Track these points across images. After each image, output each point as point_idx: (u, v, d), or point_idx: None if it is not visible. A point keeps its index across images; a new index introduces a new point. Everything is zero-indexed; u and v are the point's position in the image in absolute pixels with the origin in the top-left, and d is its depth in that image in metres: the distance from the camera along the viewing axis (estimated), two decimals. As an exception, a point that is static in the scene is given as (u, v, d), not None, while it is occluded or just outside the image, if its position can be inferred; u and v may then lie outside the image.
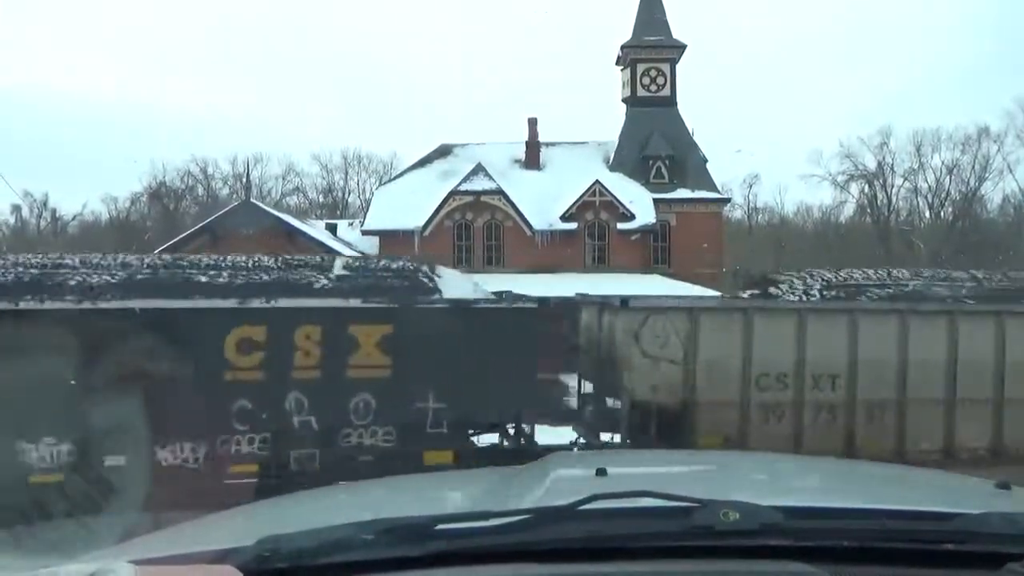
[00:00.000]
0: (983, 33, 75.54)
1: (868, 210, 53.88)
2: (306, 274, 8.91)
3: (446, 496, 1.96)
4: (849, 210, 55.23)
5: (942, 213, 52.56)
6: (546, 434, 9.55)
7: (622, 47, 34.89)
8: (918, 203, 52.74)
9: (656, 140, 32.71)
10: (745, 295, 10.98)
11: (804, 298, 10.44)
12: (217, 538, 1.40)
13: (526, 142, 33.16)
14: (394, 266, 9.38)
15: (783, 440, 8.99)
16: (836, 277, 11.00)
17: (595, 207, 30.12)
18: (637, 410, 9.26)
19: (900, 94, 76.63)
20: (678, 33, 34.72)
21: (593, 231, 30.24)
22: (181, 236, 28.77)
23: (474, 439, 9.12)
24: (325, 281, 8.80)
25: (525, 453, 8.78)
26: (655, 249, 31.05)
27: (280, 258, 9.34)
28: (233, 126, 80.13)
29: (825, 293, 10.57)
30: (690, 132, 33.80)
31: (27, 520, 7.33)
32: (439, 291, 9.07)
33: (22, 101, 67.41)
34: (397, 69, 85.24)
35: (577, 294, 10.66)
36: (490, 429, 9.05)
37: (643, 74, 34.21)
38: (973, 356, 9.65)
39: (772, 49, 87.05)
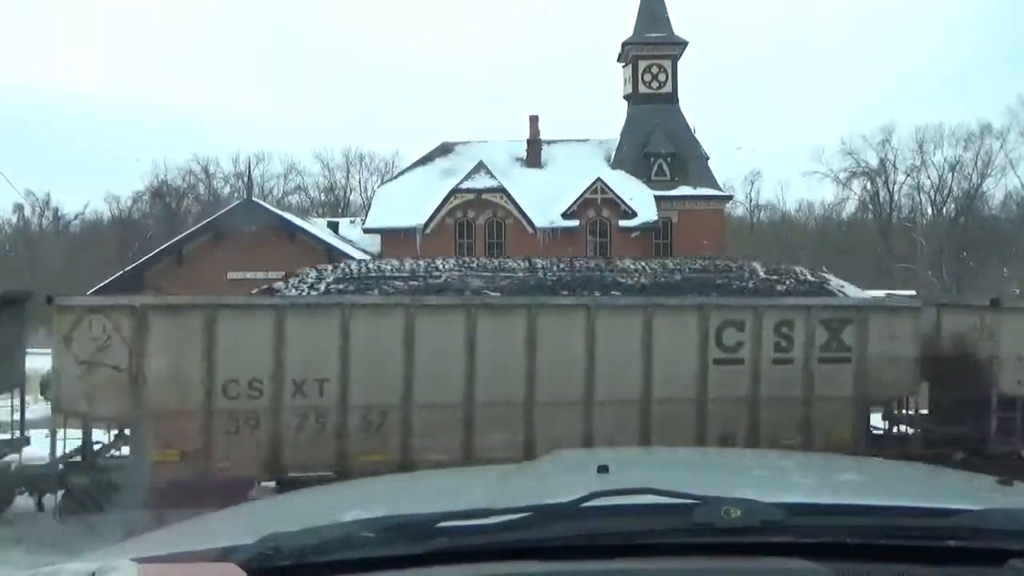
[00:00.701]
0: (985, 30, 75.40)
1: (870, 207, 53.87)
2: None
3: (448, 493, 1.96)
4: (851, 207, 55.28)
5: (944, 210, 52.52)
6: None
7: (623, 44, 34.85)
8: (920, 200, 52.74)
9: (658, 137, 32.68)
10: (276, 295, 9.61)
11: (309, 292, 9.34)
12: (219, 536, 1.40)
13: (527, 140, 33.13)
14: None
15: (254, 450, 8.17)
16: (363, 268, 9.94)
17: (596, 205, 30.09)
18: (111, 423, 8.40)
19: (902, 91, 76.59)
20: (679, 30, 34.73)
21: (595, 229, 30.21)
22: (183, 235, 28.77)
23: None
24: None
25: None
26: (657, 246, 30.98)
27: None
28: (234, 125, 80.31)
29: (332, 287, 9.46)
30: (692, 129, 33.77)
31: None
32: None
33: (24, 100, 67.42)
34: (398, 67, 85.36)
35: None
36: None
37: (644, 71, 34.16)
38: (497, 354, 8.44)
39: (774, 45, 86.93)
